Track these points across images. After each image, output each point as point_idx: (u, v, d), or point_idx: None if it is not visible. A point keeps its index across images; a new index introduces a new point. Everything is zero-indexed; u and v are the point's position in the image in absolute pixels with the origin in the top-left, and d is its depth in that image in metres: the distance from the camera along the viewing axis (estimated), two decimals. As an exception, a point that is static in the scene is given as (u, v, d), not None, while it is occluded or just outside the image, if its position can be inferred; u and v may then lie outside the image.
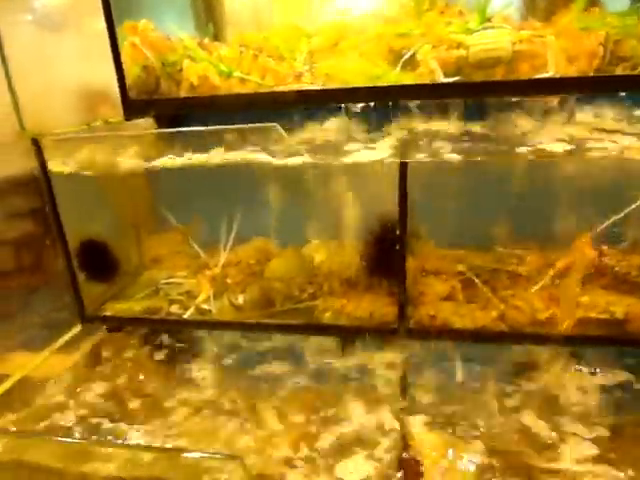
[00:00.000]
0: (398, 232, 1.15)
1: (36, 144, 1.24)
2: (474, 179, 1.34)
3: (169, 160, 1.21)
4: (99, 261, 1.36)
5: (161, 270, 1.55)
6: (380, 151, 1.15)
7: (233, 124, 1.25)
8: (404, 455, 0.95)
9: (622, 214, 1.23)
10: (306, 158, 1.16)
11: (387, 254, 1.21)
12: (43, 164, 1.26)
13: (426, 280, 1.32)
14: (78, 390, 1.25)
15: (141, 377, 1.30)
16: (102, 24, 1.29)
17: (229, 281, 1.44)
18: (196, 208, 1.59)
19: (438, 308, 1.23)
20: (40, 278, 1.31)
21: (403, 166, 1.11)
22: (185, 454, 0.99)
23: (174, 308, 1.38)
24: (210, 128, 1.20)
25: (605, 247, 1.27)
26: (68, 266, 1.34)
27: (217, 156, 1.22)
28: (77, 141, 1.33)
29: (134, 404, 1.20)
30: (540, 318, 1.19)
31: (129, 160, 1.24)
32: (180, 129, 1.26)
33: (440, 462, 0.94)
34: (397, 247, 1.17)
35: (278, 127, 1.13)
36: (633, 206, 1.22)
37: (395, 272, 1.19)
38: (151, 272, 1.56)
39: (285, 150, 1.17)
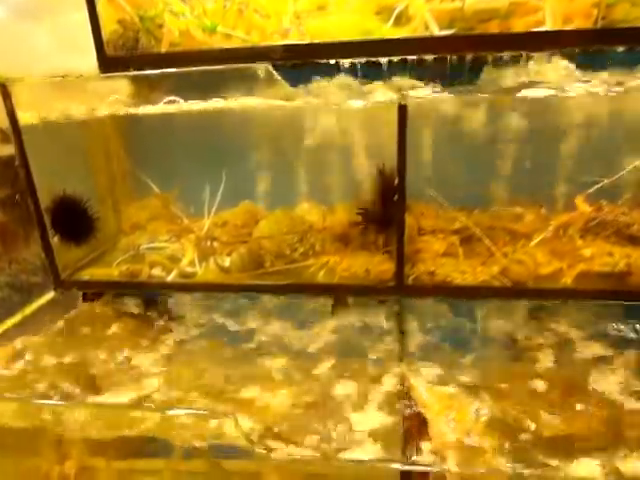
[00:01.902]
0: (397, 181, 1.09)
1: (4, 89, 1.14)
2: (469, 137, 1.30)
3: (153, 108, 1.13)
4: (74, 222, 1.26)
5: (141, 236, 1.46)
6: (377, 95, 1.09)
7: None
8: (406, 405, 0.90)
9: (623, 172, 1.21)
10: (300, 101, 1.08)
11: (384, 207, 1.15)
12: (12, 112, 1.16)
13: (423, 238, 1.26)
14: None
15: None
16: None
17: (215, 244, 1.37)
18: (178, 172, 1.51)
19: (437, 264, 1.17)
20: (10, 240, 1.20)
21: (402, 110, 1.05)
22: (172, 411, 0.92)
23: (156, 272, 1.30)
24: (199, 68, 1.12)
25: (604, 202, 1.24)
26: (39, 225, 1.25)
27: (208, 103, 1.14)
28: (50, 88, 1.23)
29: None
30: (543, 272, 1.15)
31: (108, 107, 1.16)
32: (166, 70, 1.17)
33: (444, 412, 0.88)
34: (395, 198, 1.11)
35: (270, 67, 1.06)
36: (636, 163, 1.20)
37: (392, 225, 1.13)
38: (130, 237, 1.45)
39: (278, 94, 1.10)
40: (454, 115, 1.29)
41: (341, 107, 1.13)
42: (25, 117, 1.16)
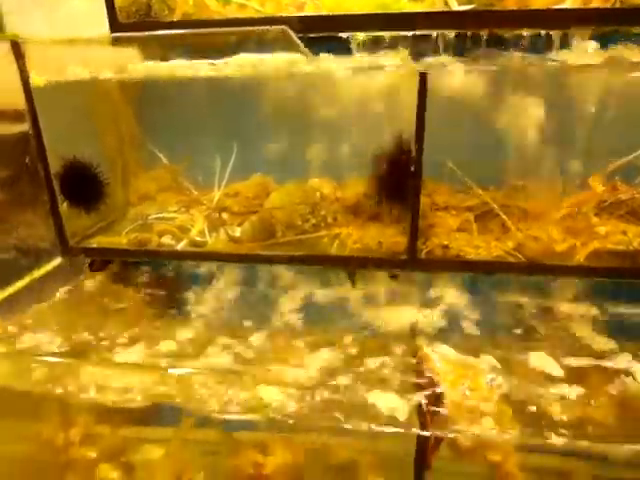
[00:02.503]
0: (414, 151, 1.08)
1: (16, 48, 1.12)
2: (484, 113, 1.29)
3: (169, 67, 1.11)
4: (83, 187, 1.25)
5: (150, 206, 1.44)
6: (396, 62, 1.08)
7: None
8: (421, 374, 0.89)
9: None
10: (318, 64, 1.06)
11: (399, 179, 1.13)
12: (24, 72, 1.14)
13: (437, 214, 1.25)
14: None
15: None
16: None
17: (225, 215, 1.35)
18: (188, 144, 1.49)
19: (451, 238, 1.16)
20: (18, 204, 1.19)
21: (422, 78, 1.04)
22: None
23: (165, 240, 1.28)
24: (213, 30, 1.10)
25: (619, 182, 1.23)
26: (49, 190, 1.23)
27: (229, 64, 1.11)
28: (62, 52, 1.21)
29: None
30: (557, 249, 1.14)
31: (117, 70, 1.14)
32: (176, 31, 1.15)
33: (459, 381, 0.87)
34: (412, 168, 1.09)
35: (287, 29, 1.04)
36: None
37: (407, 198, 1.12)
38: (139, 208, 1.44)
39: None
40: (470, 91, 1.28)
41: (359, 75, 1.12)
42: (37, 80, 1.15)
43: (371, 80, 1.21)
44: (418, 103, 1.03)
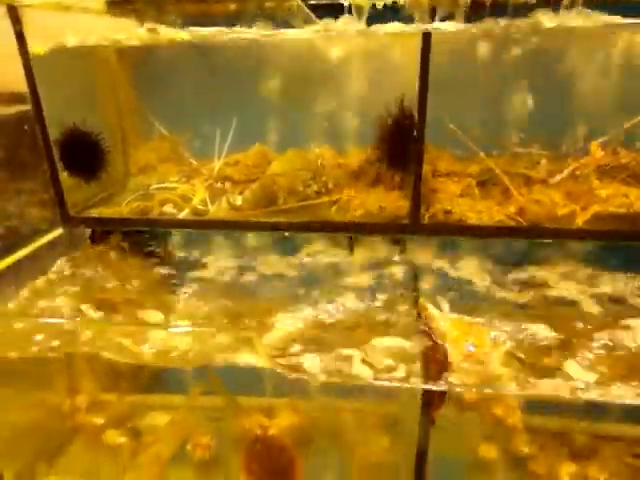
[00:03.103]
0: (417, 116, 1.07)
1: (12, 12, 1.11)
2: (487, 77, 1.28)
3: (173, 32, 1.09)
4: (83, 156, 1.24)
5: (151, 176, 1.44)
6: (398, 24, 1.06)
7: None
8: (426, 332, 0.89)
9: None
10: (319, 27, 1.05)
11: (402, 143, 1.13)
12: (21, 36, 1.12)
13: (439, 179, 1.25)
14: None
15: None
16: None
17: (226, 185, 1.35)
18: (188, 114, 1.48)
19: (454, 203, 1.16)
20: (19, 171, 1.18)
21: (426, 38, 1.02)
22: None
23: (167, 209, 1.28)
24: None
25: (620, 148, 1.23)
26: (48, 159, 1.22)
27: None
28: (58, 18, 1.19)
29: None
30: (559, 213, 1.14)
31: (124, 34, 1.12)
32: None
33: (463, 338, 0.88)
34: (415, 133, 1.09)
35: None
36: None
37: (410, 162, 1.11)
38: (140, 178, 1.44)
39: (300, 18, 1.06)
40: (472, 54, 1.27)
41: (361, 38, 1.11)
42: (35, 47, 1.13)
43: (373, 45, 1.20)
44: (421, 64, 1.02)
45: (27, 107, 1.18)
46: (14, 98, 1.25)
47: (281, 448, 1.10)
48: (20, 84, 1.16)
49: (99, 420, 1.24)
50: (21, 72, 1.15)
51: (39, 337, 0.97)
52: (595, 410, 1.17)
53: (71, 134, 1.20)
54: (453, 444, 1.19)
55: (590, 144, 1.21)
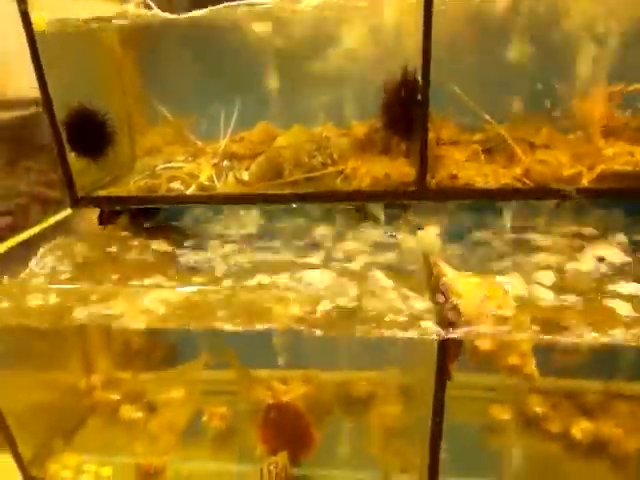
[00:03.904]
0: (421, 77, 1.08)
1: (17, -8, 1.12)
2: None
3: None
4: (91, 135, 1.25)
5: (158, 157, 1.44)
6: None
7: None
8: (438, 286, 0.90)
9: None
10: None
11: (406, 108, 1.13)
12: (26, 15, 1.13)
13: (444, 147, 1.26)
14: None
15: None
16: None
17: (233, 162, 1.36)
18: (192, 95, 1.49)
19: (460, 168, 1.16)
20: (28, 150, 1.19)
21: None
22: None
23: (174, 185, 1.29)
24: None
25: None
26: (56, 139, 1.23)
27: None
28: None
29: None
30: (565, 174, 1.15)
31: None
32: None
33: (476, 290, 0.89)
34: (419, 97, 1.10)
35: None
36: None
37: (415, 127, 1.12)
38: (147, 159, 1.44)
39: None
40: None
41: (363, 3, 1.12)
42: (39, 21, 1.14)
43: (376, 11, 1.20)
44: (424, 25, 1.02)
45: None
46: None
47: (296, 414, 1.11)
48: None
49: (115, 396, 1.26)
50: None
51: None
52: (607, 367, 1.18)
53: (78, 114, 1.22)
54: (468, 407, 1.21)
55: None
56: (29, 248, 1.18)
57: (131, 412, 1.23)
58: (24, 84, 1.29)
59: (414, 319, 0.85)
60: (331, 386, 1.23)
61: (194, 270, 1.13)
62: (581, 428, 1.10)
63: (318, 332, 0.85)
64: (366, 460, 1.13)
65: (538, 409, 1.15)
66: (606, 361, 1.15)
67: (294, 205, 1.23)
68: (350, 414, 1.21)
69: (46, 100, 1.20)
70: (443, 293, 0.88)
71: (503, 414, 1.16)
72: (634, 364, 1.16)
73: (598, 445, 1.09)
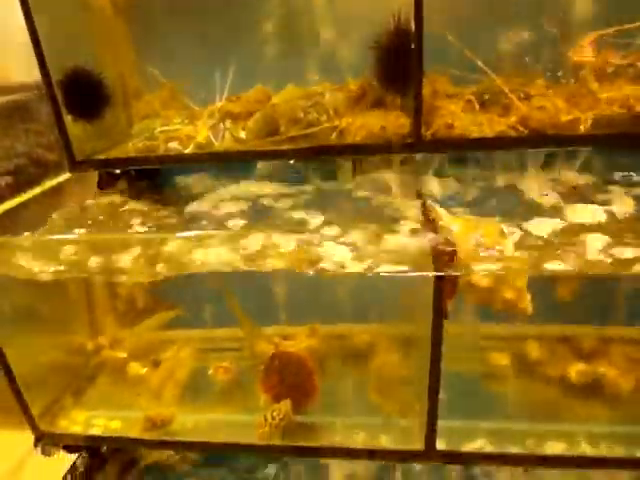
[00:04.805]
0: (413, 27, 1.07)
1: (6, -50, 1.11)
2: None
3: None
4: (86, 98, 1.25)
5: (155, 121, 1.45)
6: None
7: None
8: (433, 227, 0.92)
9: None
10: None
11: (400, 59, 1.13)
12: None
13: (439, 99, 1.26)
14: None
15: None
16: None
17: (229, 122, 1.36)
18: (186, 59, 1.49)
19: (455, 118, 1.17)
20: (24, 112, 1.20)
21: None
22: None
23: (172, 145, 1.30)
24: None
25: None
26: (52, 102, 1.24)
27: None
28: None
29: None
30: (562, 119, 1.15)
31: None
32: None
33: (471, 231, 0.90)
34: (412, 46, 1.10)
35: None
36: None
37: (410, 77, 1.12)
38: (144, 124, 1.45)
39: None
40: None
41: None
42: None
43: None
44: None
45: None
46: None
47: (298, 362, 1.13)
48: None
49: (122, 354, 1.29)
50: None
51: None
52: (602, 310, 1.20)
53: (72, 75, 1.22)
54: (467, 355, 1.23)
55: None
56: (29, 210, 1.19)
57: (138, 368, 1.26)
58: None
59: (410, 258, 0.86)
60: (333, 337, 1.25)
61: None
62: (577, 370, 1.12)
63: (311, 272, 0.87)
64: (367, 406, 1.16)
65: (535, 354, 1.17)
66: (599, 307, 1.18)
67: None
68: (352, 363, 1.24)
69: (41, 60, 1.20)
70: (438, 232, 0.90)
71: (502, 360, 1.19)
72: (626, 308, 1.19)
73: (594, 386, 1.12)
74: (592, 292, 1.17)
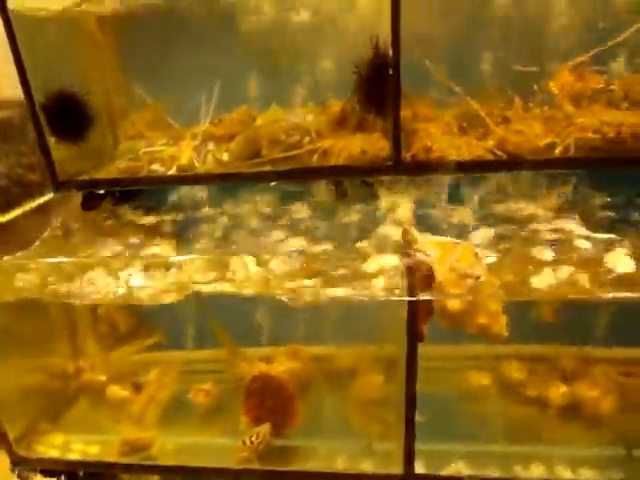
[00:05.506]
0: (391, 52, 1.10)
1: (-9, -24, 1.13)
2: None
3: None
4: (70, 120, 1.26)
5: (139, 142, 1.46)
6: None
7: None
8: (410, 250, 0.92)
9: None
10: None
11: (378, 83, 1.15)
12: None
13: (419, 122, 1.28)
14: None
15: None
16: None
17: (212, 144, 1.37)
18: (173, 82, 1.51)
19: (433, 140, 1.18)
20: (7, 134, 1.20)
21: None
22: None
23: (155, 167, 1.30)
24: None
25: (588, 70, 1.24)
26: (35, 123, 1.24)
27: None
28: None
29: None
30: (540, 144, 1.16)
31: None
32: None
33: (447, 255, 0.91)
34: (390, 71, 1.12)
35: None
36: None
37: (388, 101, 1.14)
38: (128, 143, 1.46)
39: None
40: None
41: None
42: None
43: None
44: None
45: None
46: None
47: (279, 386, 1.13)
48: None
49: (102, 377, 1.28)
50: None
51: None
52: (583, 331, 1.21)
53: (57, 97, 1.23)
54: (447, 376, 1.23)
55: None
56: (9, 231, 1.19)
57: (117, 391, 1.24)
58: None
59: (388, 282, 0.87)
60: (314, 360, 1.24)
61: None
62: (557, 391, 1.13)
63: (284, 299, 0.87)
64: (348, 430, 1.15)
65: (516, 375, 1.18)
66: (579, 327, 1.18)
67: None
68: (333, 386, 1.23)
69: (24, 83, 1.21)
70: (414, 256, 0.90)
71: (482, 380, 1.19)
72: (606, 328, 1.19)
73: (574, 408, 1.12)
74: (572, 312, 1.18)
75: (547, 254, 0.94)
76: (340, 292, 0.86)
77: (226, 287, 0.91)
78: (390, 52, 1.10)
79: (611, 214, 1.15)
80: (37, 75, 1.22)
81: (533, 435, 1.11)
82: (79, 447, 1.19)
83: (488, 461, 1.06)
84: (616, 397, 1.12)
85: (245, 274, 0.90)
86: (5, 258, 1.06)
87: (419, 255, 0.90)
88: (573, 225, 1.07)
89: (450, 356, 1.26)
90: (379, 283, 0.87)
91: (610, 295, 0.82)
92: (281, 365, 1.20)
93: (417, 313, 0.86)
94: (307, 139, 1.25)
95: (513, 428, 1.12)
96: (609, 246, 0.91)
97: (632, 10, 1.15)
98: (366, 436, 1.14)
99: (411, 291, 0.84)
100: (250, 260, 0.93)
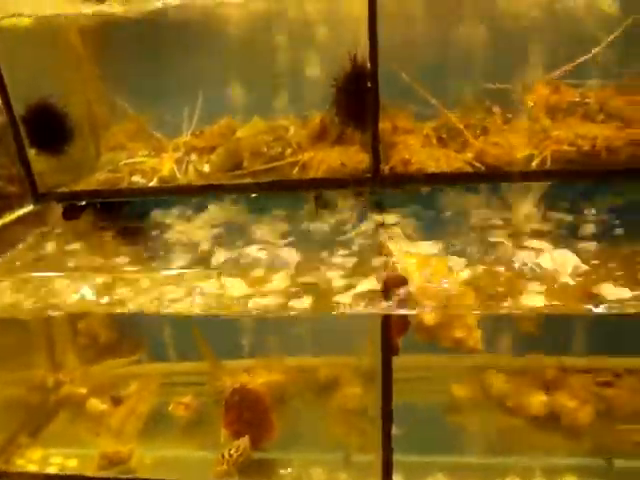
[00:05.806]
0: (369, 66, 1.11)
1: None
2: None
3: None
4: (49, 132, 1.26)
5: (120, 153, 1.46)
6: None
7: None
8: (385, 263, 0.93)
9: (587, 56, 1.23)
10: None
11: (356, 96, 1.16)
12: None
13: (398, 134, 1.28)
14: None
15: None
16: None
17: (194, 157, 1.38)
18: (154, 93, 1.51)
19: (412, 152, 1.19)
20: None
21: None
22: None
23: (136, 179, 1.30)
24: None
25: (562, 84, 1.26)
26: (15, 136, 1.24)
27: None
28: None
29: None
30: (518, 156, 1.18)
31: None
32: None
33: (421, 268, 0.91)
34: (368, 84, 1.12)
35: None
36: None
37: (367, 114, 1.15)
38: (110, 154, 1.46)
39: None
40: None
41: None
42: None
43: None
44: (369, 13, 1.05)
45: None
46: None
47: (256, 399, 1.12)
48: None
49: (82, 390, 1.27)
50: None
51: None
52: (560, 342, 1.22)
53: (36, 109, 1.23)
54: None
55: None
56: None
57: (97, 405, 1.24)
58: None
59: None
60: (293, 372, 1.24)
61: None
62: (536, 401, 1.13)
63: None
64: (327, 442, 1.15)
65: (496, 385, 1.18)
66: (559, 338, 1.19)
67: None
68: (313, 398, 1.23)
69: (3, 95, 1.21)
70: (389, 270, 0.91)
71: (463, 392, 1.19)
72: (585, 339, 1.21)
73: (553, 418, 1.13)
74: (552, 323, 1.19)
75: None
76: (308, 304, 0.86)
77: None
78: (368, 64, 1.12)
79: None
80: (17, 87, 1.22)
81: (513, 446, 1.12)
82: (58, 461, 1.18)
83: (467, 473, 1.07)
84: (594, 407, 1.13)
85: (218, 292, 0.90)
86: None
87: (394, 267, 0.91)
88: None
89: (430, 367, 1.26)
90: (349, 298, 0.87)
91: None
92: (260, 378, 1.20)
93: (391, 327, 0.86)
94: (289, 151, 1.26)
95: (492, 440, 1.12)
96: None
97: (605, 26, 1.17)
98: (344, 448, 1.14)
99: (385, 304, 0.85)
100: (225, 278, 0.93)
